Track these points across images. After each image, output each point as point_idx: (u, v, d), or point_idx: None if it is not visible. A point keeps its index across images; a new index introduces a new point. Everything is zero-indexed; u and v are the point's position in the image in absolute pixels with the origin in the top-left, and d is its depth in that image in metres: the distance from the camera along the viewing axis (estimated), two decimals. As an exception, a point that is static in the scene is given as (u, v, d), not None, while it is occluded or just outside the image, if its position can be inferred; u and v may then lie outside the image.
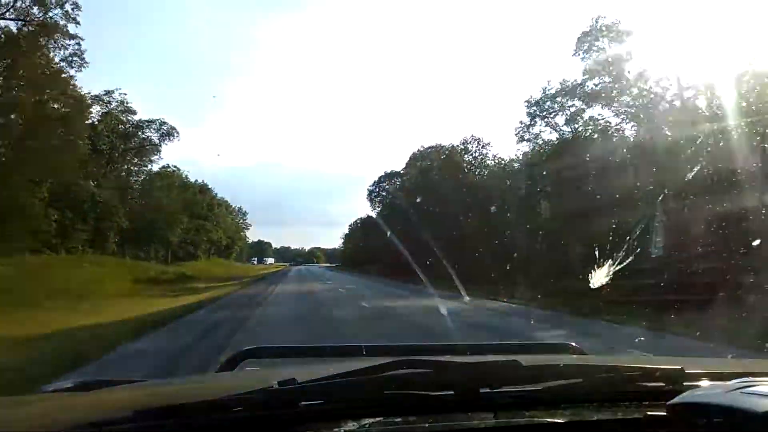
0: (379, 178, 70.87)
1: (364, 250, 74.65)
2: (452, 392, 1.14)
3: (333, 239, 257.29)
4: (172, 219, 49.22)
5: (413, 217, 42.26)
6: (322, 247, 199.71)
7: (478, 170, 48.95)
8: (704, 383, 1.21)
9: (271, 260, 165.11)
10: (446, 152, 52.76)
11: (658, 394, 1.15)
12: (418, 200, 45.63)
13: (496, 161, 48.09)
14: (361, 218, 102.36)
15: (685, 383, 1.19)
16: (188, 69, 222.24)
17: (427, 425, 1.10)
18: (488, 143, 50.57)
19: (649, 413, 1.14)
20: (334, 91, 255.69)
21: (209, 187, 69.58)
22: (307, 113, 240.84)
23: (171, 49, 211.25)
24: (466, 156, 50.85)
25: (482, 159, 50.32)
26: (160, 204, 47.47)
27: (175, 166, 54.80)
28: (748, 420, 0.91)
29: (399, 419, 1.11)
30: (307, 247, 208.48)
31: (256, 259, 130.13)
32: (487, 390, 1.16)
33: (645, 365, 1.33)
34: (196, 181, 65.09)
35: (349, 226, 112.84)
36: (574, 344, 2.01)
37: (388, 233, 44.90)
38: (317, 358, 2.11)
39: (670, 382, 1.21)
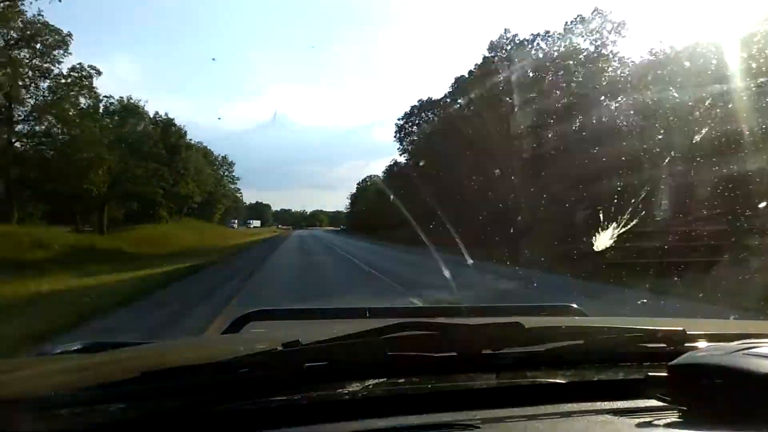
0: (412, 108, 53.04)
1: (380, 210, 55.97)
2: (455, 353, 1.15)
3: (334, 203, 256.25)
4: (88, 157, 29.37)
5: (467, 159, 31.25)
6: (325, 210, 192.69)
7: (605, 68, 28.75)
8: (705, 344, 1.22)
9: (256, 223, 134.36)
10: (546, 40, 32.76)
11: (659, 355, 1.16)
12: (474, 131, 31.16)
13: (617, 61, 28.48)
14: (371, 175, 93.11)
15: (686, 344, 1.20)
16: (187, 30, 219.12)
17: (430, 386, 1.11)
18: (621, 23, 29.37)
19: (650, 374, 1.15)
20: (339, 30, 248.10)
21: (176, 123, 49.65)
22: (310, 65, 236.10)
23: (167, 8, 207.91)
24: (583, 43, 30.45)
25: (593, 54, 29.63)
26: (68, 129, 29.51)
27: (91, 67, 30.46)
28: (749, 381, 0.92)
29: (402, 380, 1.13)
30: (308, 210, 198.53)
31: (235, 221, 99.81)
32: (490, 351, 1.17)
33: (646, 327, 1.33)
34: (158, 114, 47.05)
35: (358, 184, 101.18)
36: (575, 306, 2.02)
37: (396, 201, 35.40)
38: (321, 320, 2.13)
39: (672, 343, 1.22)
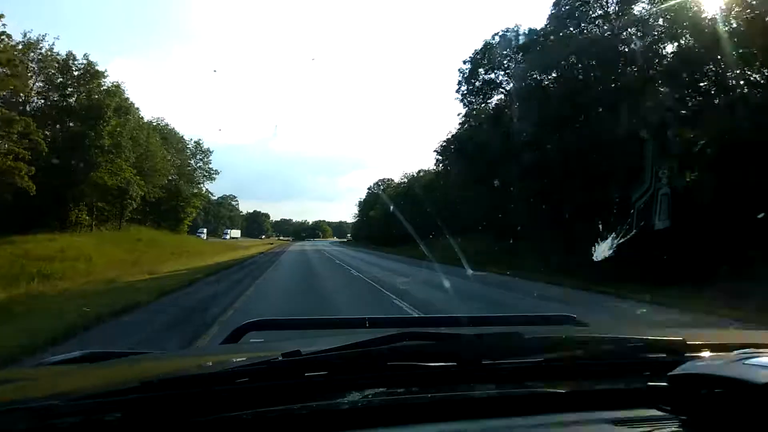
0: (485, 46, 32.91)
1: (399, 217, 39.05)
2: (455, 363, 1.15)
3: (336, 215, 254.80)
4: None
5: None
6: (328, 220, 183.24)
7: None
8: (706, 354, 1.22)
9: (235, 233, 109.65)
10: None
11: (659, 365, 1.16)
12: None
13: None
14: (385, 179, 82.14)
15: (686, 354, 1.20)
16: (188, 42, 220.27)
17: (429, 396, 1.11)
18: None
19: (650, 384, 1.15)
20: (340, 42, 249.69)
21: (104, 73, 32.30)
22: (311, 77, 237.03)
23: (169, 21, 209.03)
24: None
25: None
26: None
27: None
28: (749, 391, 0.92)
29: (402, 390, 1.12)
30: (310, 220, 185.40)
31: (203, 231, 74.96)
32: (490, 361, 1.17)
33: (646, 337, 1.33)
34: (73, 54, 30.89)
35: (369, 188, 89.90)
36: (575, 316, 2.02)
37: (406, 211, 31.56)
38: (321, 330, 2.13)
39: (672, 353, 1.22)
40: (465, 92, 34.44)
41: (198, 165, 58.64)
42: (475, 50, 33.84)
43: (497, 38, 32.71)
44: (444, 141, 41.06)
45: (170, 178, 49.37)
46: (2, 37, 24.10)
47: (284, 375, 1.09)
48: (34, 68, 29.53)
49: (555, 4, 25.94)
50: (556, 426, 1.07)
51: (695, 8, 19.60)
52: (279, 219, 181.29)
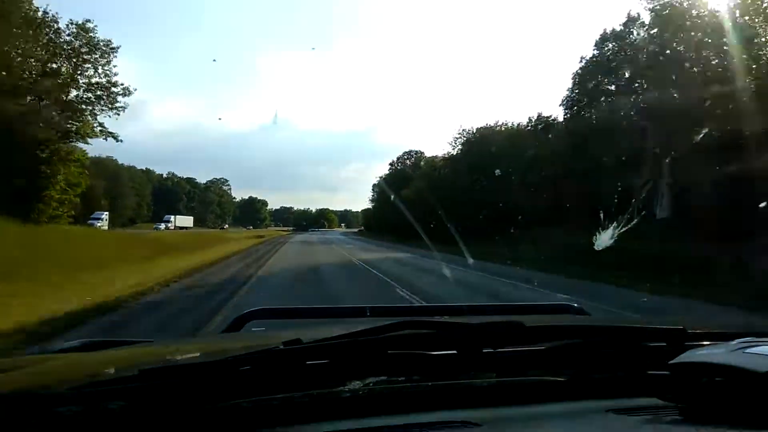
0: None
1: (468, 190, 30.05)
2: (455, 352, 1.15)
3: (341, 203, 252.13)
4: None
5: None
6: (332, 208, 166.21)
7: None
8: (706, 343, 1.22)
9: (185, 221, 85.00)
10: None
11: (660, 354, 1.16)
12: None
13: None
14: (411, 151, 73.12)
15: (686, 343, 1.20)
16: (187, 31, 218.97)
17: (430, 384, 1.11)
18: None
19: (650, 372, 1.15)
20: (341, 31, 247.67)
21: None
22: (311, 67, 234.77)
23: (167, 9, 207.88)
24: None
25: None
26: None
27: None
28: (749, 379, 0.92)
29: (402, 378, 1.13)
30: (313, 209, 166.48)
31: (104, 216, 55.19)
32: (490, 350, 1.17)
33: (647, 325, 1.33)
34: None
35: (391, 164, 78.33)
36: (576, 305, 2.02)
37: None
38: (322, 319, 2.13)
39: (672, 341, 1.22)
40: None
41: (86, 73, 27.49)
42: None
43: None
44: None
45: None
46: None
47: (285, 363, 1.09)
48: None
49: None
50: (556, 414, 1.07)
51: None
52: (278, 207, 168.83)
